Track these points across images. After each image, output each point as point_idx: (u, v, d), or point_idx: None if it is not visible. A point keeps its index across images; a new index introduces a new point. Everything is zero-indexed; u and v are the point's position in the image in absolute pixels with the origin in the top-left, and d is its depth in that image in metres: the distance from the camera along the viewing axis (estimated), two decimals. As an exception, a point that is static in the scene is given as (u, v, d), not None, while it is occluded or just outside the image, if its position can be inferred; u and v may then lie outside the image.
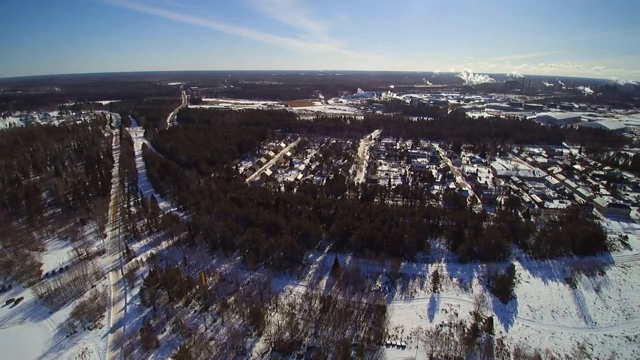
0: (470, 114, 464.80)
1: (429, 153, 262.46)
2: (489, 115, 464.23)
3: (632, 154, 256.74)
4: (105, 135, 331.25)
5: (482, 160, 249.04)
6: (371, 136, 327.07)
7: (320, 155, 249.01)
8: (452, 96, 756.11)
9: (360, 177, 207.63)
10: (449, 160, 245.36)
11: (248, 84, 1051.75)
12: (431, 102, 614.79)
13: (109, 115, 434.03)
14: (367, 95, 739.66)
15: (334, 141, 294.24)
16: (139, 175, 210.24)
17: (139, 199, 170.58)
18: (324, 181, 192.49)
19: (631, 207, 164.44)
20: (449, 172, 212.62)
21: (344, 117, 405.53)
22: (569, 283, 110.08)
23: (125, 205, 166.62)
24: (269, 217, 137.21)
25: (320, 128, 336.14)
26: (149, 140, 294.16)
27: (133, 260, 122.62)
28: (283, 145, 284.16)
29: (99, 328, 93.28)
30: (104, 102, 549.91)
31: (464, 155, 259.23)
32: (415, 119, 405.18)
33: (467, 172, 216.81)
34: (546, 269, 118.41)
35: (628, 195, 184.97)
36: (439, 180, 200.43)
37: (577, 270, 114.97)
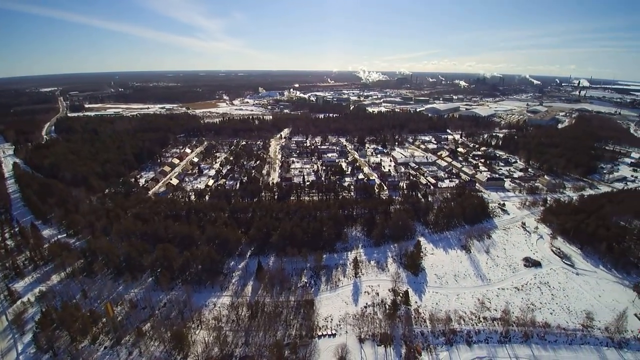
0: (370, 109, 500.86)
1: (338, 148, 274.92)
2: (386, 109, 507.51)
3: (501, 135, 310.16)
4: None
5: (384, 150, 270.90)
6: (281, 135, 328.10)
7: (231, 158, 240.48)
8: (353, 93, 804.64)
9: (275, 177, 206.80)
10: (356, 153, 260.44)
11: (140, 86, 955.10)
12: (335, 100, 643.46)
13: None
14: (272, 94, 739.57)
15: (244, 143, 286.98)
16: (13, 201, 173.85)
17: (16, 229, 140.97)
18: (238, 185, 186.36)
19: (505, 179, 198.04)
20: (357, 164, 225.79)
21: (252, 117, 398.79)
22: (465, 249, 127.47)
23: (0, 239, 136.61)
24: (181, 229, 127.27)
25: (227, 130, 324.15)
26: (22, 158, 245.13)
27: (18, 302, 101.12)
28: (188, 150, 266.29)
29: (-16, 390, 75.29)
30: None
31: (368, 147, 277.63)
32: (321, 116, 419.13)
33: (373, 163, 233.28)
34: (446, 240, 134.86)
35: (501, 169, 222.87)
36: (348, 173, 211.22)
37: (470, 237, 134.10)
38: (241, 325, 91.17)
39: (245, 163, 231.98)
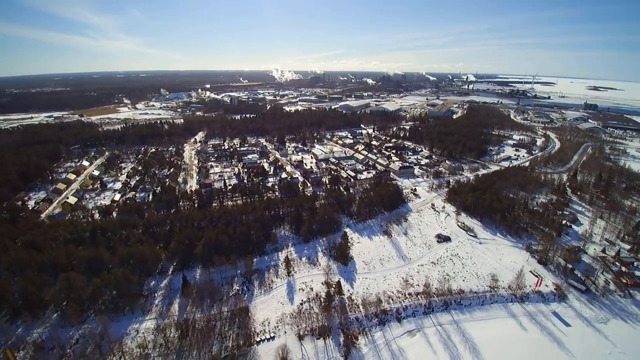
0: (287, 108, 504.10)
1: (258, 148, 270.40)
2: (303, 108, 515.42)
3: (407, 127, 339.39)
4: None
5: (305, 148, 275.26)
6: (196, 139, 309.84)
7: (140, 168, 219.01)
8: (269, 92, 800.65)
9: (193, 184, 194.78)
10: (277, 152, 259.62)
11: (20, 93, 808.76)
12: (250, 100, 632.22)
13: None
14: (180, 96, 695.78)
15: (154, 150, 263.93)
16: None
17: None
18: (150, 196, 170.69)
19: (414, 167, 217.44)
20: (279, 164, 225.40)
21: (160, 121, 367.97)
22: (386, 234, 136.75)
23: None
24: (86, 253, 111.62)
25: (132, 137, 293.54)
26: None
27: None
28: (86, 163, 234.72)
29: None
30: None
31: (288, 146, 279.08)
32: (238, 117, 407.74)
33: (294, 161, 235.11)
34: (369, 228, 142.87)
35: (410, 158, 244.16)
36: (271, 173, 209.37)
37: (390, 222, 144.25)
38: (171, 347, 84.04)
39: (157, 172, 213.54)
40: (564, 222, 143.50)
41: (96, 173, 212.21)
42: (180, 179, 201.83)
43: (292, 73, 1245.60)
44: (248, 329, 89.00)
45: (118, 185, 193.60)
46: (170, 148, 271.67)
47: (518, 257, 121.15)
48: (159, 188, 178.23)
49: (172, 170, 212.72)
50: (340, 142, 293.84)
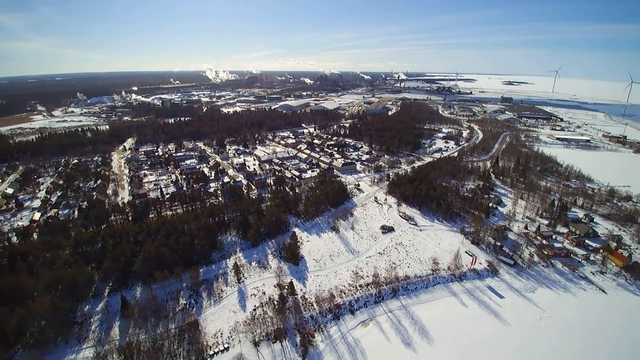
0: (225, 110, 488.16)
1: (196, 153, 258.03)
2: (242, 109, 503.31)
3: (347, 125, 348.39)
4: None
5: (246, 150, 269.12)
6: (125, 146, 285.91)
7: (61, 182, 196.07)
8: (204, 94, 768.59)
9: (125, 195, 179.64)
10: (217, 156, 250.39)
11: None
12: (184, 102, 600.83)
13: None
14: (103, 100, 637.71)
15: (76, 161, 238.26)
16: None
17: None
18: (76, 212, 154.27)
19: (356, 163, 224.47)
20: (220, 168, 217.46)
21: (82, 129, 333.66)
22: (334, 230, 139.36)
23: None
24: (5, 282, 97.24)
25: (50, 148, 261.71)
26: None
27: None
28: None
29: None
30: None
31: (229, 149, 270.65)
32: (171, 120, 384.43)
33: (237, 164, 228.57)
34: (317, 226, 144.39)
35: (352, 154, 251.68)
36: (212, 178, 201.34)
37: (337, 218, 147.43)
38: (113, 375, 76.89)
39: (81, 185, 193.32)
40: (490, 204, 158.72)
41: (9, 191, 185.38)
42: (109, 191, 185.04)
43: (228, 73, 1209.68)
44: (199, 343, 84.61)
45: (37, 203, 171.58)
46: (96, 158, 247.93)
47: (454, 240, 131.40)
48: (85, 203, 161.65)
49: (99, 182, 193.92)
50: (282, 142, 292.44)
